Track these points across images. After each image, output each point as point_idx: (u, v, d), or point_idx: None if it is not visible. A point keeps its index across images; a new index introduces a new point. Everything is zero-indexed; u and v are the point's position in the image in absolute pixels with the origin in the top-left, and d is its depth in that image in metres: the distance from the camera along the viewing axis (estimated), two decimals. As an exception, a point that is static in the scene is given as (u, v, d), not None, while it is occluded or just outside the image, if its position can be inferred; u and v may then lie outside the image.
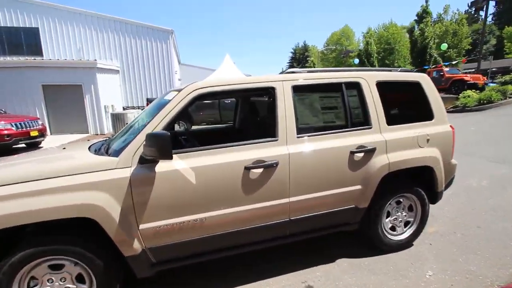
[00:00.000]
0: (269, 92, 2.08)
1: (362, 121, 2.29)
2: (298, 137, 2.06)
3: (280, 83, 2.09)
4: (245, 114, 3.25)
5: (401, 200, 2.52)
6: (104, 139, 2.49)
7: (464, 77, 16.06)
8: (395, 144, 2.31)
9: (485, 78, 17.42)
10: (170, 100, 1.90)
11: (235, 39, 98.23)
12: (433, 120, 2.55)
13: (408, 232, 2.59)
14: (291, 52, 55.61)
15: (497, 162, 5.13)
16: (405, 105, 2.62)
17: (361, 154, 2.18)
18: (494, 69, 26.55)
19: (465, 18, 36.15)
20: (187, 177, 1.78)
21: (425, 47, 23.46)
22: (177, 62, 21.82)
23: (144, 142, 1.68)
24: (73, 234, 1.71)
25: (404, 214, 2.56)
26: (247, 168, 1.89)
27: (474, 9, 17.28)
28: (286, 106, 2.05)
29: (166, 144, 1.57)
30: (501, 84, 16.09)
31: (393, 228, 2.55)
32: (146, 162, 1.72)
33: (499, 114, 10.79)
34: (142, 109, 9.80)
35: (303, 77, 2.19)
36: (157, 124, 1.79)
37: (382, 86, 2.39)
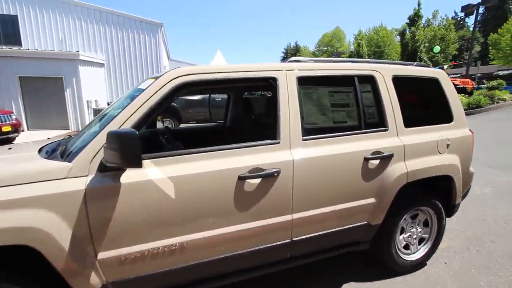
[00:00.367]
0: (269, 84, 1.69)
1: (376, 121, 1.94)
2: (304, 140, 1.68)
3: (282, 73, 1.71)
4: (239, 111, 2.85)
5: (417, 214, 2.19)
6: (64, 137, 2.03)
7: (454, 81, 16.22)
8: (414, 150, 1.97)
9: (473, 82, 17.69)
10: (144, 90, 1.48)
11: (227, 38, 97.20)
12: (452, 123, 2.24)
13: (423, 251, 2.27)
14: (283, 52, 55.39)
15: (494, 168, 5.01)
16: (422, 104, 2.30)
17: (377, 161, 1.83)
18: (479, 74, 27.22)
19: (453, 24, 37.00)
20: (164, 190, 1.37)
21: (415, 50, 23.70)
22: (167, 57, 21.11)
23: (105, 144, 1.26)
24: (8, 265, 1.27)
25: (419, 230, 2.24)
26: (242, 178, 1.50)
27: (464, 13, 17.39)
28: (290, 101, 1.68)
29: (132, 146, 1.16)
30: (488, 89, 16.41)
31: (406, 246, 2.23)
32: (109, 169, 1.30)
33: (488, 118, 10.86)
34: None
35: (310, 67, 1.81)
36: (125, 120, 1.37)
37: (398, 82, 2.05)
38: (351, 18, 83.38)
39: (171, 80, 1.48)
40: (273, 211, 1.61)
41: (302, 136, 1.68)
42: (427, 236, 2.28)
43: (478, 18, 16.51)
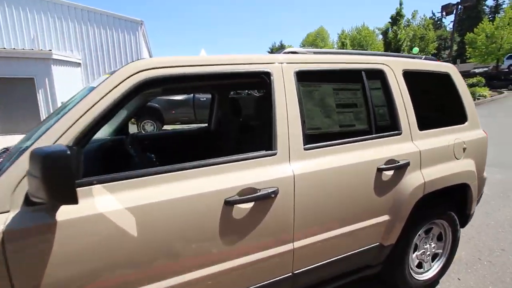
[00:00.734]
0: (262, 80, 1.35)
1: (388, 124, 1.65)
2: (306, 149, 1.35)
3: (277, 67, 1.37)
4: (225, 113, 2.49)
5: (431, 228, 1.93)
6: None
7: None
8: (431, 156, 1.70)
9: (454, 80, 18.08)
10: (94, 88, 1.10)
11: (212, 39, 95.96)
12: (466, 124, 1.99)
13: (436, 268, 2.01)
14: (268, 52, 55.22)
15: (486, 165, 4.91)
16: (434, 103, 2.04)
17: (391, 172, 1.53)
18: (458, 72, 28.18)
19: (431, 23, 38.18)
20: (121, 226, 1.00)
21: (398, 49, 24.11)
22: (149, 56, 20.34)
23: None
24: None
25: (433, 245, 1.97)
26: (229, 203, 1.15)
27: (445, 13, 17.81)
28: (288, 101, 1.34)
29: (61, 173, 0.78)
30: (469, 86, 16.87)
31: (419, 265, 1.95)
32: (37, 203, 0.91)
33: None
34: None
35: (311, 59, 1.49)
36: (62, 132, 0.99)
37: (409, 77, 1.77)
38: (334, 18, 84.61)
39: (130, 76, 1.10)
40: (270, 241, 1.27)
41: (304, 145, 1.35)
42: (441, 251, 2.02)
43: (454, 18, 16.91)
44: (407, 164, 1.57)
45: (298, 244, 1.34)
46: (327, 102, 1.52)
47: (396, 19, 24.58)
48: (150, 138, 2.38)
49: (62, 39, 14.02)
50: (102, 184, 1.01)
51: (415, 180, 1.61)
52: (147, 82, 1.12)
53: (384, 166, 1.50)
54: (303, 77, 1.42)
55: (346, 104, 1.56)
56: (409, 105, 1.70)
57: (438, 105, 2.04)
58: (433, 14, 48.34)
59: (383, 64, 1.69)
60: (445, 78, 2.00)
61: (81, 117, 1.02)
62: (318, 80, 1.52)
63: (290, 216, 1.29)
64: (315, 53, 1.60)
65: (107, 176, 1.03)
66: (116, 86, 1.08)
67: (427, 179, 1.65)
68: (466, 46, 29.81)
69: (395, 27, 24.60)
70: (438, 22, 48.46)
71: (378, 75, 1.66)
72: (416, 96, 1.78)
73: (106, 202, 0.99)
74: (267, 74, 1.34)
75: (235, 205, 1.16)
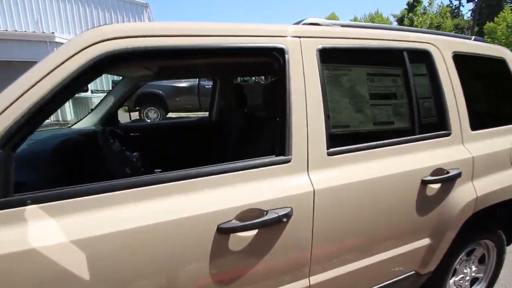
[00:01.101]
0: (273, 59, 0.99)
1: (434, 121, 1.28)
2: (330, 155, 1.01)
3: (295, 42, 1.01)
4: (229, 102, 2.13)
5: (473, 249, 1.59)
6: None
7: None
8: (485, 164, 1.33)
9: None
10: (35, 66, 0.77)
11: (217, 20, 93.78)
12: (523, 122, 1.61)
13: (475, 295, 1.68)
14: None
15: None
16: (486, 96, 1.65)
17: (438, 185, 1.18)
18: (474, 63, 26.86)
19: (448, 11, 36.40)
20: (64, 268, 0.68)
21: (413, 38, 23.07)
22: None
23: None
24: None
25: (474, 269, 1.64)
26: (224, 230, 0.82)
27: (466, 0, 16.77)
28: (309, 88, 0.99)
29: None
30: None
31: (456, 291, 1.63)
32: None
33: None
34: (107, 93, 8.35)
35: (339, 33, 1.12)
36: None
37: (459, 62, 1.39)
38: (346, 4, 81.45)
39: (88, 47, 0.76)
40: (279, 277, 0.95)
41: (328, 149, 1.00)
42: (482, 275, 1.69)
43: (473, 7, 15.82)
44: (458, 175, 1.22)
45: (315, 279, 1.02)
46: (359, 92, 1.15)
47: (413, 5, 23.35)
48: (137, 130, 2.00)
49: (66, 22, 13.78)
50: (40, 204, 0.70)
51: (465, 195, 1.26)
52: (114, 56, 0.78)
53: (431, 178, 1.15)
54: (328, 56, 1.06)
55: (383, 94, 1.20)
56: (461, 98, 1.32)
57: (490, 98, 1.65)
58: (451, 2, 46.04)
59: (429, 43, 1.30)
60: (500, 64, 1.60)
61: (8, 107, 0.69)
62: (348, 61, 1.15)
63: (306, 245, 0.96)
64: (342, 26, 1.22)
65: (49, 192, 0.71)
66: (63, 63, 0.74)
67: (480, 193, 1.30)
68: (485, 36, 28.32)
69: (411, 14, 23.43)
70: (456, 11, 46.20)
71: (422, 58, 1.28)
72: (466, 86, 1.40)
73: (44, 231, 0.68)
74: (280, 51, 0.98)
75: (231, 234, 0.83)
